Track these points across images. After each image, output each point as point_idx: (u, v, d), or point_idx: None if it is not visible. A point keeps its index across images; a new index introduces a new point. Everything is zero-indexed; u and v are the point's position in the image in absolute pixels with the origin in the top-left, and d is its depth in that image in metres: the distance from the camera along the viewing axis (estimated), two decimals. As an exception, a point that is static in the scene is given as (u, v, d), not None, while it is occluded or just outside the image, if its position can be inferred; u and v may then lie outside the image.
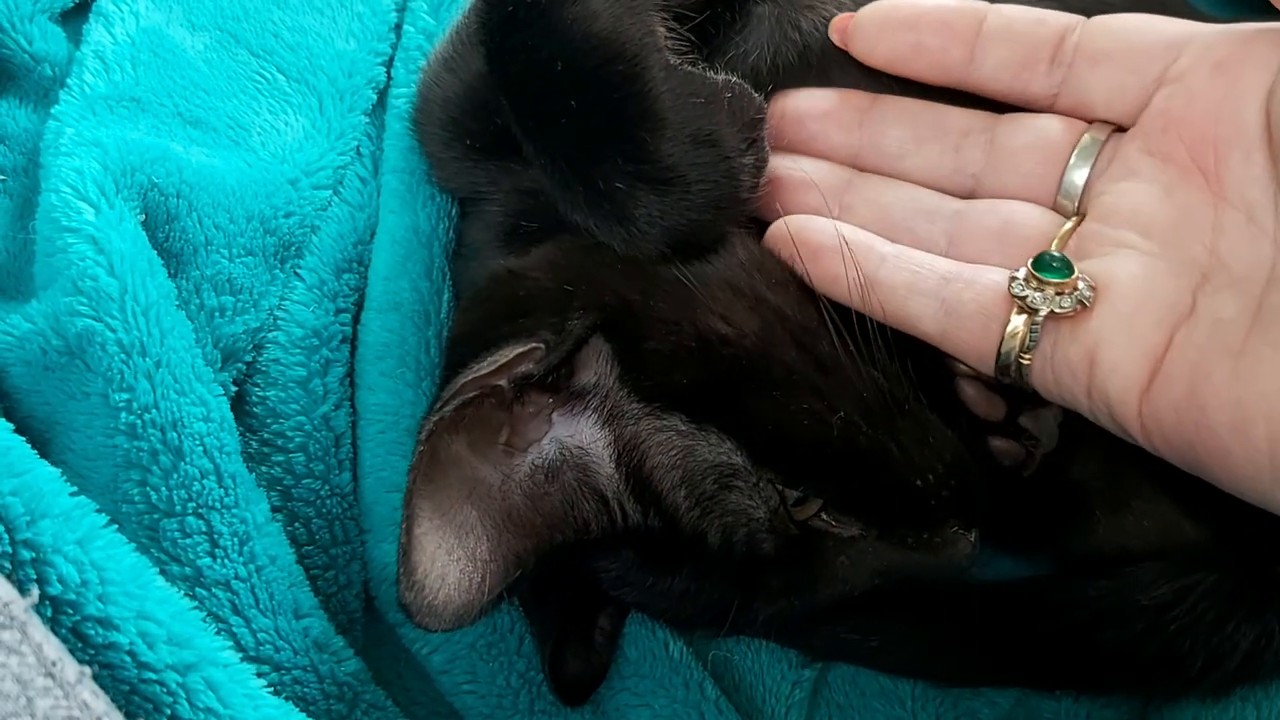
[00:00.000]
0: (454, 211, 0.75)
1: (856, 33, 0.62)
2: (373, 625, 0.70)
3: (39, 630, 0.46)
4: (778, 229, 0.60)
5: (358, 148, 0.78)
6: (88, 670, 0.45)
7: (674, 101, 0.56)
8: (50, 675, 0.44)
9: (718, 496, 0.57)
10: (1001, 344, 0.54)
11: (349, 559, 0.69)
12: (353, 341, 0.73)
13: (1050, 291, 0.53)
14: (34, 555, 0.49)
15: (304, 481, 0.68)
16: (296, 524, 0.67)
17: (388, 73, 0.82)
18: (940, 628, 0.66)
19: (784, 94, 0.63)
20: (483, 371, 0.53)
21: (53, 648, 0.45)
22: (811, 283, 0.59)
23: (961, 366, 0.59)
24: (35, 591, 0.49)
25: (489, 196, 0.69)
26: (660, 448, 0.57)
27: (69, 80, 0.73)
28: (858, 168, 0.62)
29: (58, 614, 0.50)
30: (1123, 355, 0.51)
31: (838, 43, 0.63)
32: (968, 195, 0.60)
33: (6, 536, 0.49)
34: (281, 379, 0.69)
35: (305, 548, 0.67)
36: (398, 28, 0.84)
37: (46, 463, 0.54)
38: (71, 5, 0.81)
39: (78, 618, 0.50)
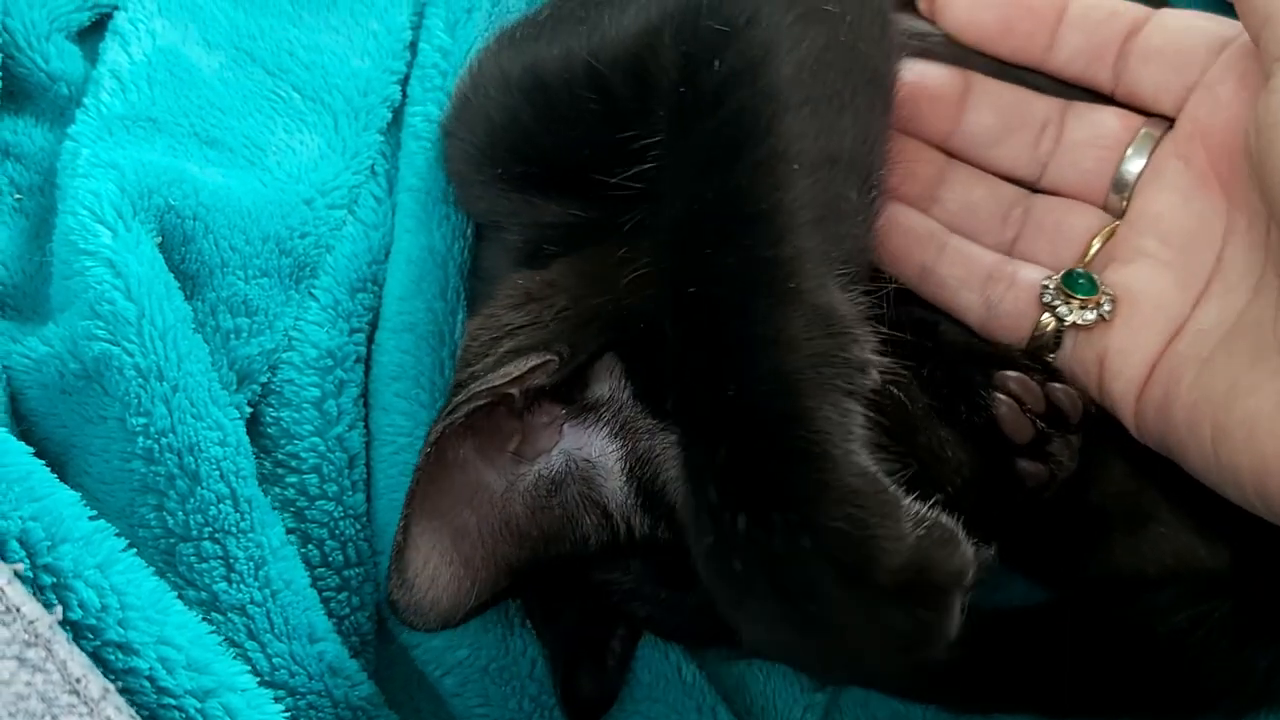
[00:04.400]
0: (469, 232, 0.75)
1: (947, 8, 0.62)
2: (385, 647, 0.70)
3: (64, 647, 0.46)
4: None
5: (372, 166, 0.78)
6: (112, 686, 0.46)
7: (838, 509, 0.43)
8: (75, 692, 0.45)
9: None
10: (1030, 341, 0.60)
11: (362, 581, 0.68)
12: (367, 361, 0.73)
13: (1075, 305, 0.58)
14: (55, 580, 0.50)
15: (318, 503, 0.68)
16: (310, 546, 0.67)
17: (403, 91, 0.82)
18: (953, 652, 0.66)
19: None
20: (496, 382, 0.54)
21: (78, 664, 0.46)
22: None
23: (1008, 385, 0.59)
24: (59, 608, 0.49)
25: (508, 225, 0.69)
26: (676, 461, 0.57)
27: (85, 100, 0.74)
28: (947, 151, 0.64)
29: (78, 639, 0.49)
30: (1125, 362, 0.57)
31: (924, 12, 0.63)
32: (1035, 181, 0.63)
33: (28, 561, 0.49)
34: (296, 399, 0.69)
35: (318, 570, 0.67)
36: (413, 45, 0.84)
37: (66, 486, 0.54)
38: (88, 24, 0.81)
39: (98, 643, 0.50)
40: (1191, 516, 0.65)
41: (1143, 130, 0.60)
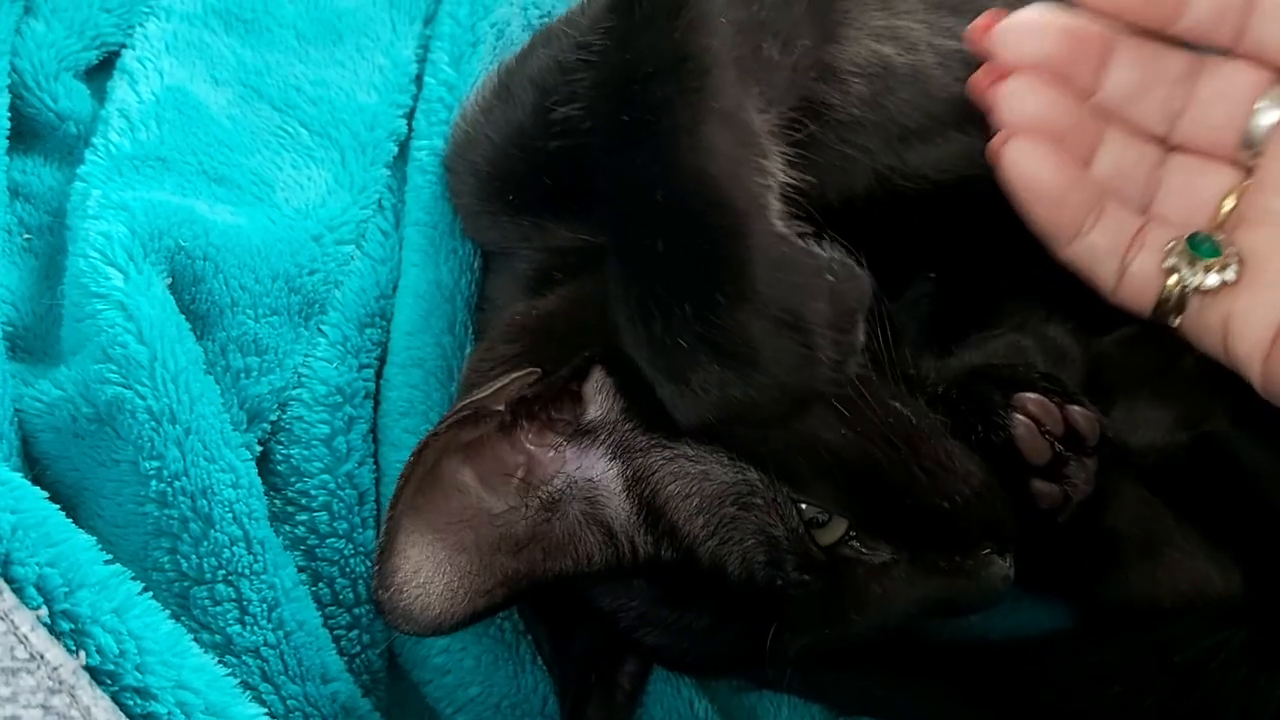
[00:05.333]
0: (476, 265, 0.75)
1: None
2: (396, 685, 0.69)
3: (88, 693, 0.47)
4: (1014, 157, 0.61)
5: (379, 200, 0.79)
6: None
7: (767, 273, 0.50)
8: (100, 739, 0.45)
9: (736, 519, 0.57)
10: (1156, 305, 0.60)
11: (373, 618, 0.68)
12: (375, 397, 0.73)
13: (1199, 268, 0.58)
14: (73, 626, 0.49)
15: (328, 541, 0.68)
16: (320, 584, 0.67)
17: (409, 124, 0.82)
18: (969, 683, 0.66)
19: (1053, 10, 0.62)
20: (481, 395, 0.55)
21: (102, 710, 0.46)
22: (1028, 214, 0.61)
23: (1026, 406, 0.59)
24: (83, 654, 0.49)
25: (518, 252, 0.69)
26: (673, 476, 0.57)
27: (94, 139, 0.74)
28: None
29: (96, 684, 0.49)
30: (1249, 324, 0.57)
31: None
32: (1164, 136, 0.63)
33: (46, 608, 0.49)
34: (305, 437, 0.69)
35: (329, 608, 0.67)
36: (419, 79, 0.84)
37: (82, 531, 0.54)
38: (96, 63, 0.82)
39: (116, 688, 0.50)
40: (1206, 543, 0.66)
41: (1276, 89, 0.59)
